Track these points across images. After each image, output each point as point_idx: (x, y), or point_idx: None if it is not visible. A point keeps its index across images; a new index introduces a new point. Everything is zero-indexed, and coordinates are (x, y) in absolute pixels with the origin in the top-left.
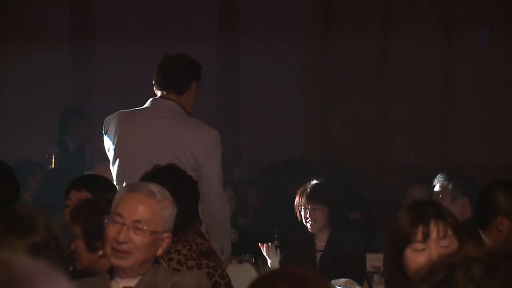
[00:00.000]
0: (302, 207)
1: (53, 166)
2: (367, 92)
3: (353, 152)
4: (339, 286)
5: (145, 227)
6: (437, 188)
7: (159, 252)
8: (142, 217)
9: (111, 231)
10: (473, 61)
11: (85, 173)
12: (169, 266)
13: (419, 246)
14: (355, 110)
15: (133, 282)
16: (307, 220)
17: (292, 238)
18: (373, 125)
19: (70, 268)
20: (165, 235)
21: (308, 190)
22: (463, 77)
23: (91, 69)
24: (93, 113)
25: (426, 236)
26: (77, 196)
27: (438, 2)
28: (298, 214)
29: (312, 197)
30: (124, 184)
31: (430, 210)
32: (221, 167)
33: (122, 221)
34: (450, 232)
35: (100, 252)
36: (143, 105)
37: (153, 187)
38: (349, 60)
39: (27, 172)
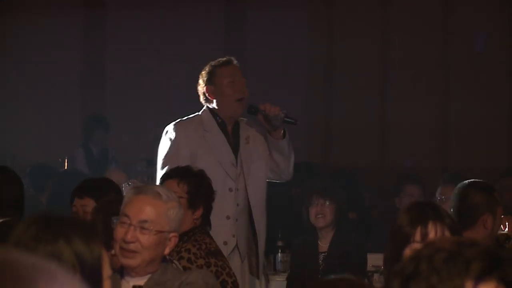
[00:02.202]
0: (312, 202)
1: (66, 168)
2: (368, 95)
3: (355, 155)
4: None
5: (151, 227)
6: (440, 189)
7: (166, 251)
8: (148, 217)
9: (119, 231)
10: (471, 64)
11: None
12: (179, 264)
13: (417, 246)
14: (356, 114)
15: (142, 280)
16: (316, 215)
17: (295, 240)
18: (373, 129)
19: None
20: (171, 234)
21: (320, 187)
22: (462, 81)
23: (103, 42)
24: (106, 90)
25: (424, 237)
26: (80, 203)
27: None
28: (305, 214)
29: (323, 193)
30: None
31: (428, 211)
32: (165, 156)
33: (129, 221)
34: (447, 233)
35: (113, 251)
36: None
37: (159, 188)
38: (349, 59)
39: (43, 175)
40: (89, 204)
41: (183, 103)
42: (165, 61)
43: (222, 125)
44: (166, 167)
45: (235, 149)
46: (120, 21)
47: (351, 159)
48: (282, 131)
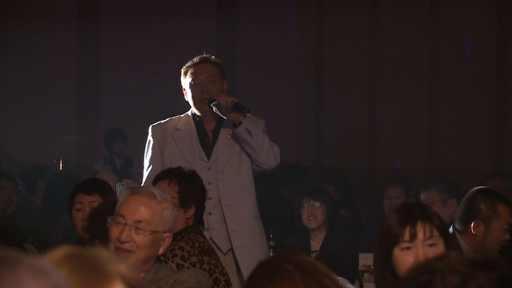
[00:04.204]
0: (303, 205)
1: (61, 169)
2: (357, 98)
3: (345, 157)
4: None
5: (146, 227)
6: (423, 194)
7: (160, 251)
8: (143, 217)
9: (114, 231)
10: (458, 68)
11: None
12: (173, 261)
13: (406, 245)
14: (346, 117)
15: None
16: (308, 217)
17: (287, 239)
18: (362, 131)
19: None
20: (165, 235)
21: (310, 188)
22: (449, 83)
23: (98, 49)
24: (100, 95)
25: (413, 236)
26: (88, 199)
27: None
28: (297, 216)
29: (314, 195)
30: None
31: (417, 212)
32: (146, 158)
33: (124, 221)
34: (436, 233)
35: None
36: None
37: (154, 189)
38: (340, 59)
39: (35, 176)
40: (98, 200)
41: (176, 111)
42: (158, 69)
43: (199, 123)
44: (145, 167)
45: (212, 145)
46: (114, 30)
47: (341, 160)
48: (240, 120)
